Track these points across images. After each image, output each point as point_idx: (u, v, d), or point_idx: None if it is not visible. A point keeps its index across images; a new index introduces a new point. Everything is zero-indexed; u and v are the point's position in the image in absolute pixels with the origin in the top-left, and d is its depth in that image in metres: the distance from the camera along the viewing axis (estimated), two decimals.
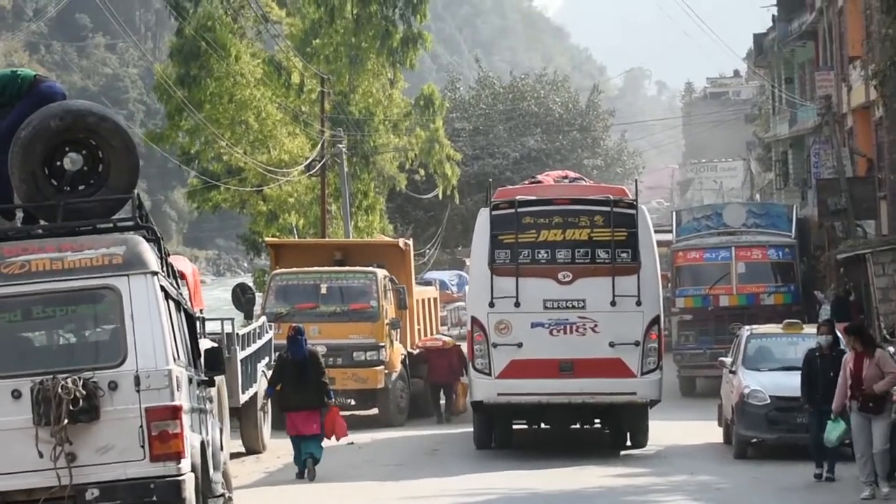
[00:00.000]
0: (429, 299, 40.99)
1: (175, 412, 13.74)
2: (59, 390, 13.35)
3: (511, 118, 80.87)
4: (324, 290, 34.34)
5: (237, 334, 27.26)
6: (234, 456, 27.64)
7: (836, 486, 22.55)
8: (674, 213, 45.07)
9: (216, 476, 16.88)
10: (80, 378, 13.51)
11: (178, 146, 56.30)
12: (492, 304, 26.00)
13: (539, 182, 30.37)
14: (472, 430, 28.04)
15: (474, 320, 26.47)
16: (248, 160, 51.41)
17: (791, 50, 62.40)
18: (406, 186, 62.17)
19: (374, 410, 34.80)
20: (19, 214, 15.32)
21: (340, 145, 52.96)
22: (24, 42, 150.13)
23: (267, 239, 45.78)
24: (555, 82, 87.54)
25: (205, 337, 25.66)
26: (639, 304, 25.71)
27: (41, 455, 13.46)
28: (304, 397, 24.57)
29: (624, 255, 25.89)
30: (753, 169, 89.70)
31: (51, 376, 13.46)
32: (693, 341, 39.13)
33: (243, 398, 27.32)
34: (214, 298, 60.17)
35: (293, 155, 53.10)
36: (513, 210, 26.22)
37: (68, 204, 14.59)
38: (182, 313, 16.04)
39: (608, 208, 26.13)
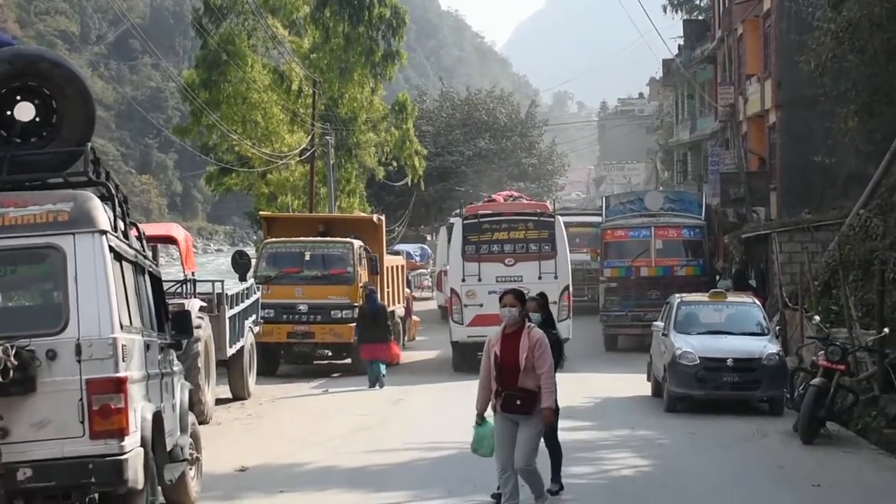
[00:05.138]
0: (397, 266, 37.60)
1: (119, 385, 9.52)
2: None
3: (466, 125, 78.21)
4: (307, 257, 30.89)
5: (226, 294, 23.40)
6: (221, 402, 24.15)
7: (768, 441, 18.74)
8: (603, 199, 41.73)
9: (182, 439, 12.74)
10: (13, 346, 9.24)
11: (199, 139, 53.32)
12: (464, 280, 29.96)
13: (493, 200, 34.47)
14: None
15: (453, 290, 30.34)
16: (255, 151, 48.04)
17: (694, 72, 58.81)
18: (382, 176, 58.94)
19: (348, 360, 31.04)
20: None
21: (328, 137, 49.74)
22: (87, 60, 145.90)
23: (260, 213, 42.15)
24: (500, 98, 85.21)
25: (195, 297, 22.13)
26: (556, 277, 29.77)
27: None
28: (374, 334, 27.46)
29: (546, 247, 30.16)
30: (659, 167, 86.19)
31: None
32: (617, 305, 35.67)
33: (230, 351, 23.67)
34: (228, 263, 57.28)
35: (292, 148, 49.95)
36: (477, 220, 30.56)
37: (15, 156, 10.27)
38: (145, 276, 11.84)
39: (536, 218, 30.54)
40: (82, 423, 9.48)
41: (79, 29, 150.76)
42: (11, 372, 9.20)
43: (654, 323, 24.93)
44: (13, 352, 9.23)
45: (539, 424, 12.28)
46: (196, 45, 60.06)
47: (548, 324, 13.83)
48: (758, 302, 24.83)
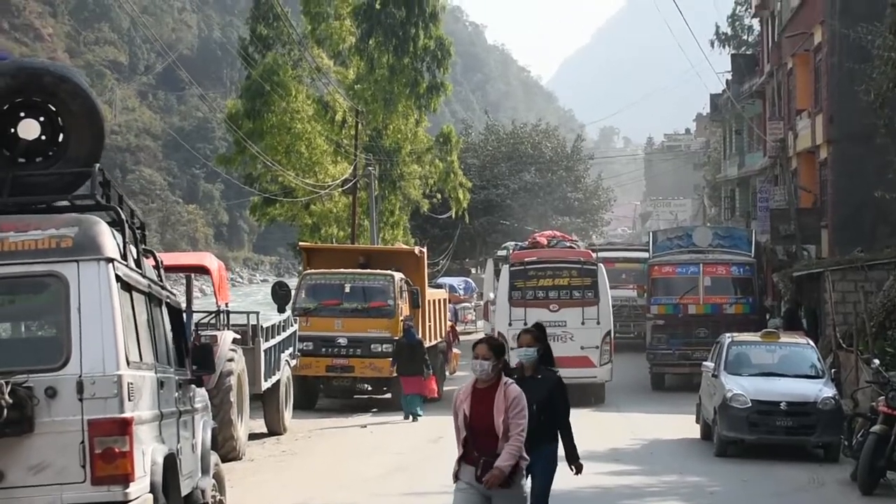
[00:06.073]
0: (439, 300, 36.36)
1: (124, 426, 8.62)
2: None
3: (511, 158, 76.98)
4: (347, 290, 29.98)
5: (261, 326, 22.53)
6: (256, 436, 23.35)
7: (825, 490, 17.67)
8: (651, 234, 40.61)
9: (204, 481, 11.83)
10: (8, 382, 8.37)
11: (242, 169, 52.67)
12: (510, 324, 29.23)
13: (537, 242, 34.44)
14: None
15: (500, 334, 28.49)
16: (299, 182, 47.27)
17: (742, 107, 57.70)
18: (427, 208, 58.07)
19: (388, 395, 30.27)
20: None
21: (370, 168, 49.09)
22: (136, 91, 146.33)
23: (300, 243, 41.33)
24: (546, 131, 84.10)
25: (229, 329, 21.30)
26: (598, 323, 30.54)
27: None
28: (411, 367, 27.66)
29: (589, 294, 30.77)
30: (706, 203, 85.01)
31: None
32: (664, 343, 34.58)
33: (265, 385, 22.77)
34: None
35: (335, 179, 48.92)
36: (523, 267, 31.21)
37: (18, 177, 9.39)
38: (161, 308, 10.95)
39: (580, 266, 31.22)
40: (83, 467, 8.60)
41: (127, 59, 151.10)
42: (6, 411, 8.36)
43: (704, 363, 23.90)
44: (8, 389, 8.38)
45: (518, 492, 9.94)
46: (243, 76, 59.72)
47: (545, 360, 11.66)
48: (812, 343, 23.78)
